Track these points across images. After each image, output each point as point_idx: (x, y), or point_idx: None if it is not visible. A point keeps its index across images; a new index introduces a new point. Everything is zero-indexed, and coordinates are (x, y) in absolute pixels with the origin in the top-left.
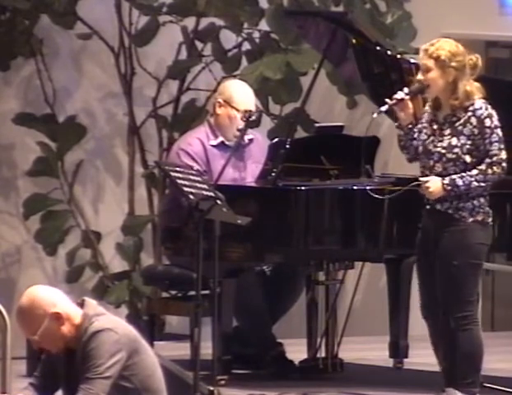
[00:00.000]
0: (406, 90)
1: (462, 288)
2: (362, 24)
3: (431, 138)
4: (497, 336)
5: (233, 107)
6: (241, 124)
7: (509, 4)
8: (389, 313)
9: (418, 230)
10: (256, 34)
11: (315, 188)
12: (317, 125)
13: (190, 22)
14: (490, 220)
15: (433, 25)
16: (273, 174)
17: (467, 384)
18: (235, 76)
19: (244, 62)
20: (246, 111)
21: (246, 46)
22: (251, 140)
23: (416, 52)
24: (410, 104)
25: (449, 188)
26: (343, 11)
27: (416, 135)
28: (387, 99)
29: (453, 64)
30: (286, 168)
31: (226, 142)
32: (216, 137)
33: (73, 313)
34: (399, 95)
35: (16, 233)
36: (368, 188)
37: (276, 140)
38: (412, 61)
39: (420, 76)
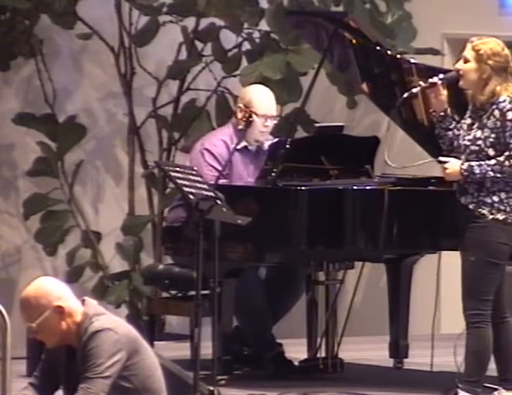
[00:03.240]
0: (441, 75)
1: (476, 285)
2: (362, 24)
3: (464, 132)
4: None
5: (252, 112)
6: (262, 129)
7: (509, 4)
8: (389, 313)
9: (426, 228)
10: (256, 34)
11: (315, 188)
12: (317, 125)
13: (190, 22)
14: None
15: (433, 25)
16: (273, 174)
17: (471, 382)
18: (235, 76)
19: (244, 62)
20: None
21: (246, 46)
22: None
23: (416, 52)
24: (443, 91)
25: (466, 173)
26: (343, 11)
27: (452, 125)
28: (420, 82)
29: (490, 62)
30: (286, 168)
31: (249, 147)
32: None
33: (76, 310)
34: (433, 79)
35: (16, 233)
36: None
37: (276, 140)
38: (412, 61)
39: (458, 65)
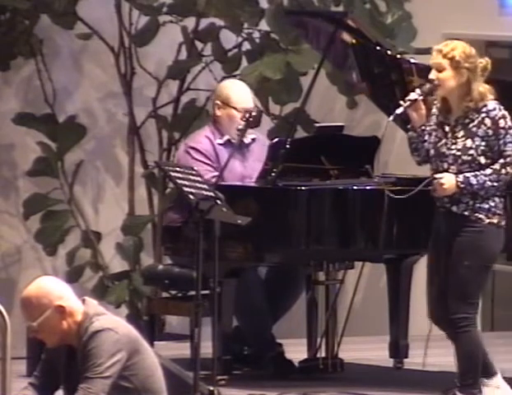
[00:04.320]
0: (418, 90)
1: (468, 289)
2: (362, 24)
3: (444, 141)
4: (497, 336)
5: (231, 107)
6: (242, 123)
7: (509, 4)
8: (389, 313)
9: (426, 228)
10: (256, 34)
11: (315, 188)
12: (317, 125)
13: (190, 22)
14: (503, 222)
15: (433, 25)
16: (273, 174)
17: (468, 386)
18: (235, 76)
19: (244, 62)
20: (246, 111)
21: (246, 46)
22: (253, 139)
23: (417, 52)
24: (423, 105)
25: (463, 185)
26: (343, 11)
27: (426, 137)
28: (401, 102)
29: (467, 65)
30: (286, 168)
31: (232, 141)
32: (221, 135)
33: (77, 310)
34: (412, 96)
35: (16, 233)
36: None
37: (276, 140)
38: (412, 61)
39: (432, 76)
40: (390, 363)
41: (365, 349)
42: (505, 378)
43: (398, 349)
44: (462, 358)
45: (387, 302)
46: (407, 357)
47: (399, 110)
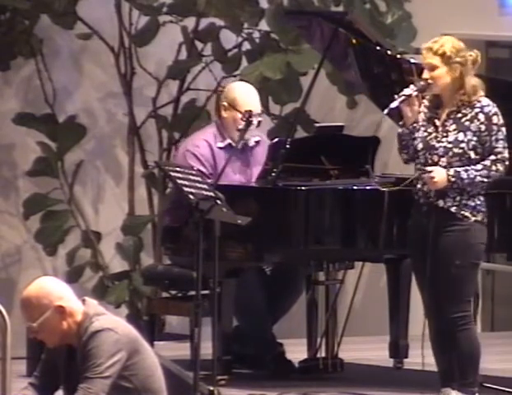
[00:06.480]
0: (413, 86)
1: (461, 288)
2: (362, 24)
3: (434, 134)
4: (497, 336)
5: (237, 110)
6: (242, 124)
7: (509, 4)
8: (389, 313)
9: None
10: (256, 34)
11: (315, 188)
12: (317, 125)
13: (190, 22)
14: (486, 219)
15: (433, 25)
16: (273, 174)
17: (468, 384)
18: (235, 76)
19: (244, 62)
20: (246, 111)
21: (246, 46)
22: (258, 142)
23: (417, 52)
24: (416, 101)
25: (454, 179)
26: (343, 11)
27: (415, 134)
28: (396, 96)
29: (458, 59)
30: (286, 168)
31: (234, 144)
32: (223, 138)
33: (77, 310)
34: (407, 91)
35: (16, 233)
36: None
37: (276, 140)
38: (412, 61)
39: (425, 75)
40: (390, 363)
41: (365, 349)
42: (505, 378)
43: (398, 349)
44: (462, 357)
45: (387, 302)
46: (407, 357)
47: (394, 104)
